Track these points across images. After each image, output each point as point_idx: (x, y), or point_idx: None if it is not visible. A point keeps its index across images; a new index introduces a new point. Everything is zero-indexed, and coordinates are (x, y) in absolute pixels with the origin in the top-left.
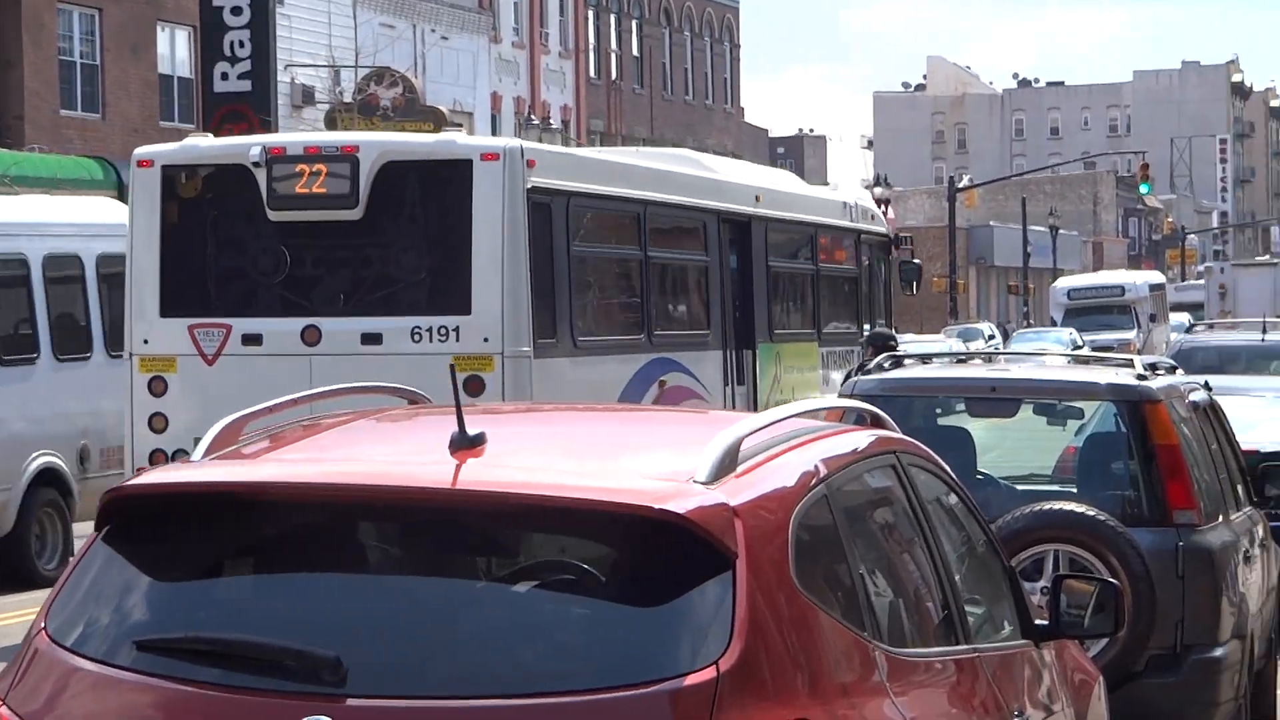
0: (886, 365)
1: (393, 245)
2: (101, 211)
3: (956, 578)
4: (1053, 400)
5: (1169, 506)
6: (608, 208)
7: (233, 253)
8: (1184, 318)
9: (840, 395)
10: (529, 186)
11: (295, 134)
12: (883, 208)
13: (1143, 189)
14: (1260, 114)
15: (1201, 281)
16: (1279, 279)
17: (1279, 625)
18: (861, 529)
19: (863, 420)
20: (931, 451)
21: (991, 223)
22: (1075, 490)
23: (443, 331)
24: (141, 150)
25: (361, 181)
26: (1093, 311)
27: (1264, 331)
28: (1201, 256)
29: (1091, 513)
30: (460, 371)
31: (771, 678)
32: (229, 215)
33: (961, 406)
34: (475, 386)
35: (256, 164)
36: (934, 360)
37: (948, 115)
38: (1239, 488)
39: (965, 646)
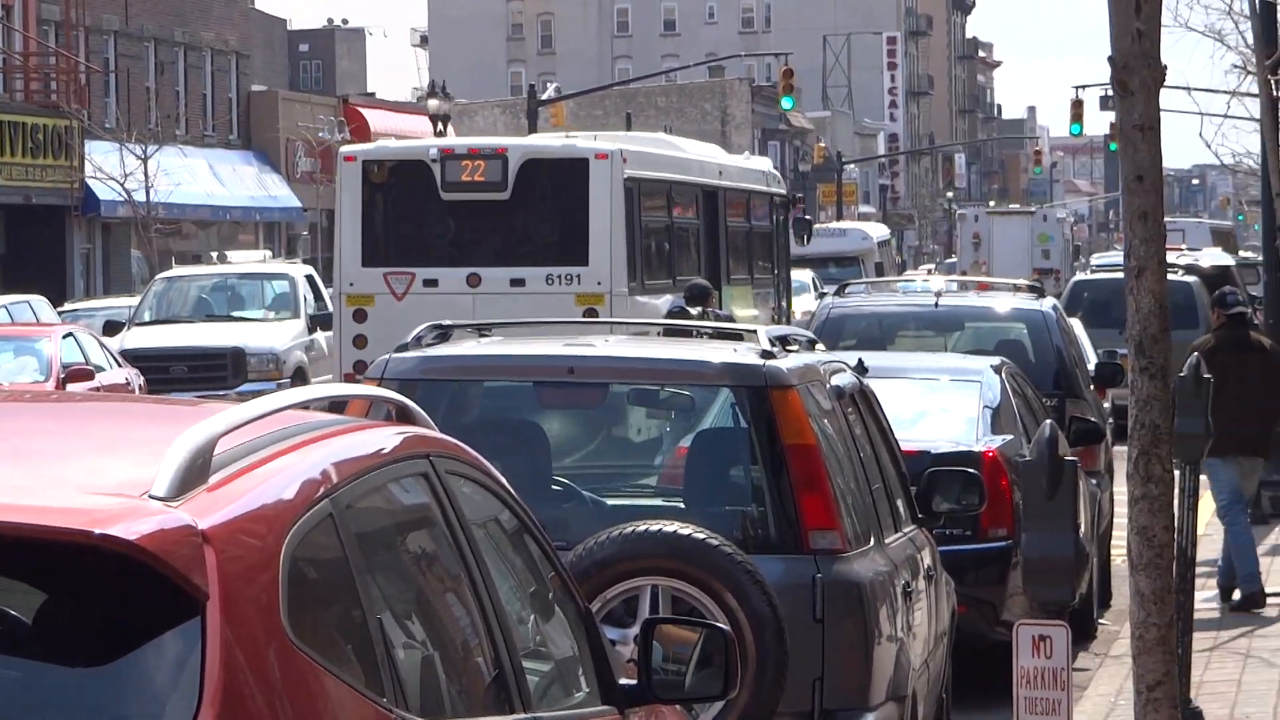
0: (429, 339)
1: (531, 217)
2: None
3: (512, 625)
4: (653, 385)
5: (803, 527)
6: (656, 188)
7: (415, 221)
8: (806, 276)
9: (366, 378)
10: (625, 177)
11: (462, 139)
12: (440, 125)
13: (785, 103)
14: (939, 4)
15: (841, 225)
16: (1035, 228)
17: (951, 682)
18: (382, 560)
19: (392, 415)
20: (478, 455)
21: None
22: (682, 505)
23: (568, 277)
24: (347, 149)
25: (510, 173)
26: None
27: (938, 294)
28: (864, 193)
29: (700, 535)
30: (580, 305)
31: None
32: (411, 195)
33: (531, 393)
34: (592, 314)
35: (434, 160)
36: (496, 332)
37: (527, 4)
38: (899, 502)
39: (524, 716)
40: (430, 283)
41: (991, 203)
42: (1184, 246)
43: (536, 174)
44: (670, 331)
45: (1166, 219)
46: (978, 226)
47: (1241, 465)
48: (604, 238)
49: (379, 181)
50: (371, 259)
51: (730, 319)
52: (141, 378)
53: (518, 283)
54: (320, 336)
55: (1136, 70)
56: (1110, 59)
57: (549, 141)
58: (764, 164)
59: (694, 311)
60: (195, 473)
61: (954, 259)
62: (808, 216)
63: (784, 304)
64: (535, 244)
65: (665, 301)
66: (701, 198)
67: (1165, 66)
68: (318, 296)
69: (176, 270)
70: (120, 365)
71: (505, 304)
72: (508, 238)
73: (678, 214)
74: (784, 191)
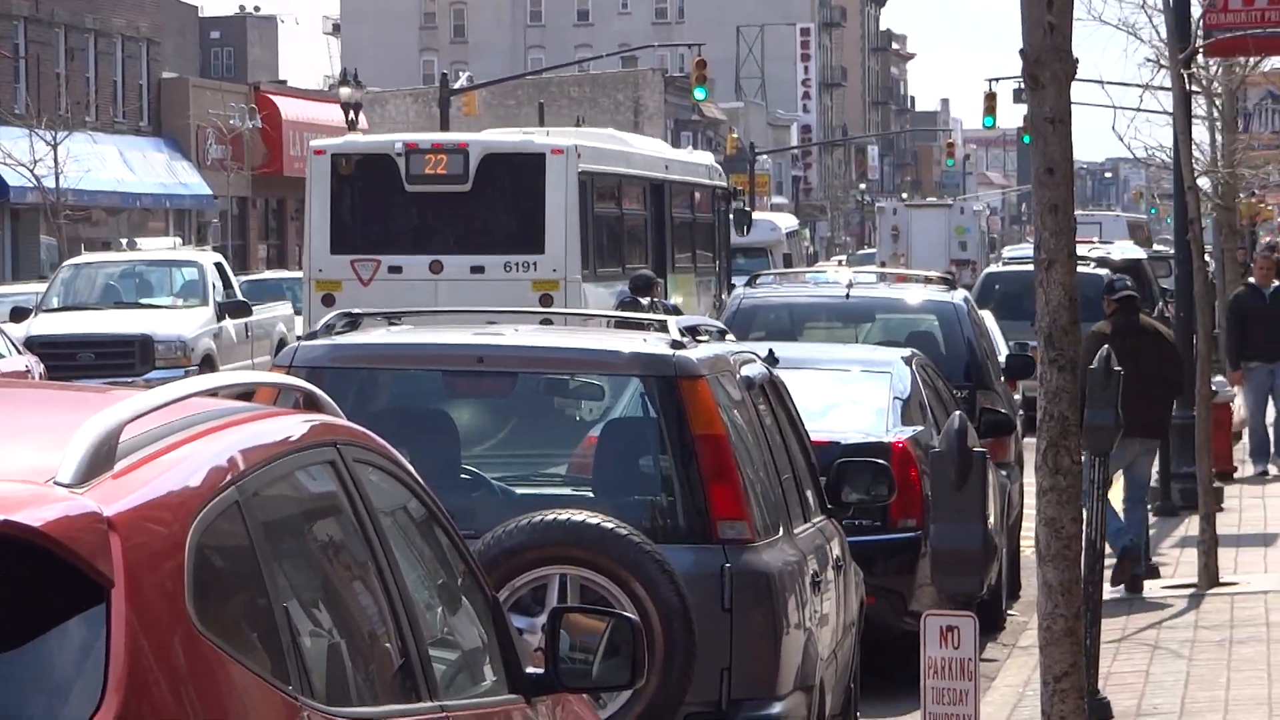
0: (339, 327)
1: (490, 208)
2: None
3: (420, 613)
4: (563, 375)
5: (713, 517)
6: (607, 181)
7: (380, 212)
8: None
9: (275, 366)
10: (579, 171)
11: (425, 134)
12: (351, 113)
13: (698, 94)
14: None
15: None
16: (953, 220)
17: (859, 672)
18: (288, 548)
19: (299, 403)
20: (386, 444)
21: None
22: (591, 495)
23: (525, 265)
24: (316, 142)
25: (471, 166)
26: None
27: (849, 285)
28: (777, 184)
29: (609, 525)
30: (536, 290)
31: None
32: (377, 187)
33: (440, 382)
34: (547, 300)
35: (399, 154)
36: (405, 320)
37: None
38: (808, 492)
39: (430, 704)
40: (395, 269)
41: (904, 195)
42: (1096, 240)
43: (496, 168)
44: (621, 324)
45: (1084, 212)
46: (896, 219)
47: (1136, 447)
48: (559, 228)
49: (346, 174)
50: (339, 247)
51: (676, 309)
52: (41, 365)
53: (478, 270)
54: (229, 324)
55: (1048, 63)
56: (1022, 52)
57: (507, 137)
58: (706, 158)
59: (644, 302)
60: (101, 459)
61: (867, 250)
62: (747, 208)
63: (724, 293)
64: (494, 233)
65: (616, 290)
66: (649, 190)
67: (1077, 60)
68: (226, 284)
69: (84, 257)
70: (20, 353)
71: (466, 290)
72: (468, 227)
73: (627, 206)
74: (725, 184)
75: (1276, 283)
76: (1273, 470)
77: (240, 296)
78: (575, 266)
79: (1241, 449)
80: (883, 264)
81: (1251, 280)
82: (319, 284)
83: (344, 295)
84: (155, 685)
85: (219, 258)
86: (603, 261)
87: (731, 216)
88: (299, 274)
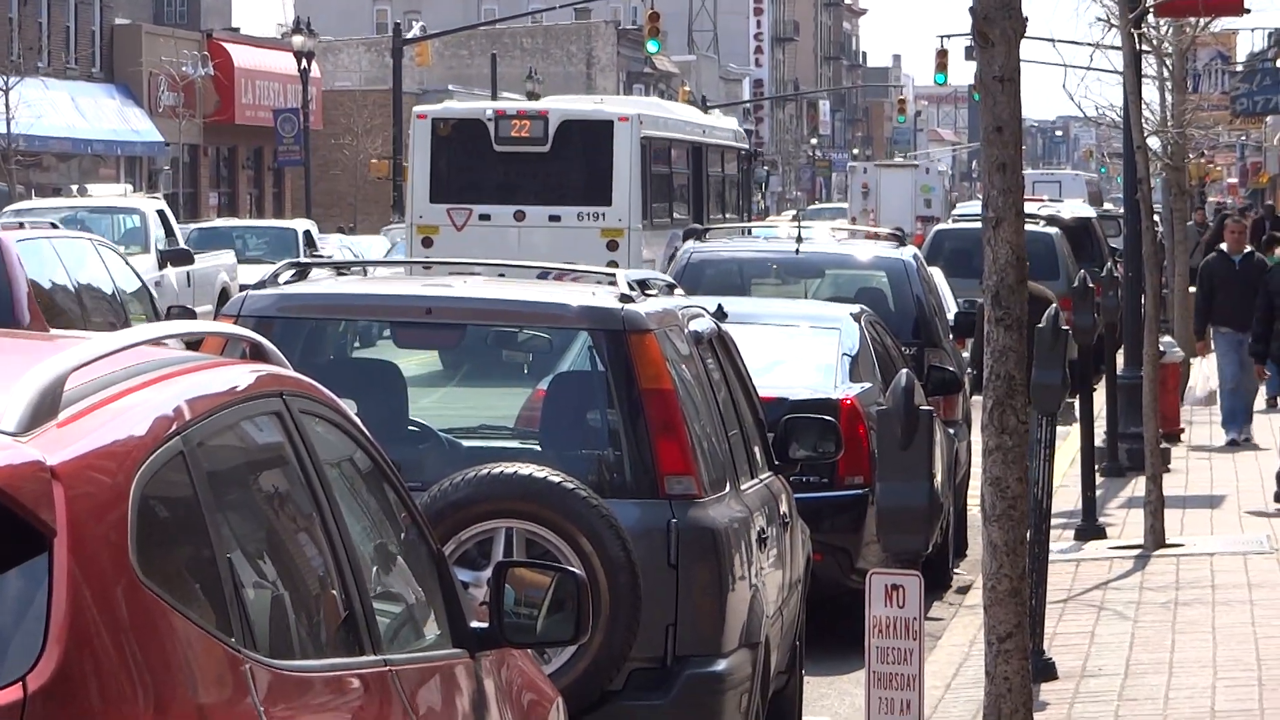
0: (286, 277)
1: (566, 166)
2: None
3: (364, 566)
4: (511, 327)
5: (659, 472)
6: (661, 145)
7: (472, 167)
8: None
9: (222, 316)
10: (640, 136)
11: (511, 102)
12: (304, 62)
13: (651, 46)
14: None
15: None
16: (919, 179)
17: (805, 629)
18: (233, 499)
19: (246, 353)
20: (332, 395)
21: (451, 86)
22: (539, 448)
23: (595, 215)
24: (419, 108)
25: (550, 130)
26: None
27: (799, 239)
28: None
29: (555, 478)
30: (604, 237)
31: (101, 700)
32: (470, 146)
33: (388, 333)
34: (614, 246)
35: (490, 119)
36: (354, 271)
37: None
38: (756, 448)
39: (374, 658)
40: (484, 217)
41: (855, 151)
42: (1045, 198)
43: (571, 132)
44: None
45: (1044, 171)
46: (866, 177)
47: None
48: (625, 184)
49: (444, 135)
50: (437, 197)
51: None
52: None
53: (555, 219)
54: (170, 272)
55: (997, 21)
56: (971, 9)
57: (581, 105)
58: (732, 123)
59: None
60: (45, 408)
61: (818, 204)
62: (766, 169)
63: None
64: (569, 188)
65: (667, 236)
66: (690, 152)
67: (1027, 18)
68: (169, 231)
69: (26, 203)
70: None
71: (544, 235)
72: (547, 182)
73: (674, 165)
74: (748, 147)
75: (1248, 249)
76: (1238, 436)
77: (182, 244)
78: (637, 217)
79: (1188, 411)
80: (853, 219)
81: (1222, 247)
82: (420, 228)
83: (441, 238)
84: (97, 636)
85: (162, 204)
86: (657, 214)
87: (753, 176)
88: (251, 222)
